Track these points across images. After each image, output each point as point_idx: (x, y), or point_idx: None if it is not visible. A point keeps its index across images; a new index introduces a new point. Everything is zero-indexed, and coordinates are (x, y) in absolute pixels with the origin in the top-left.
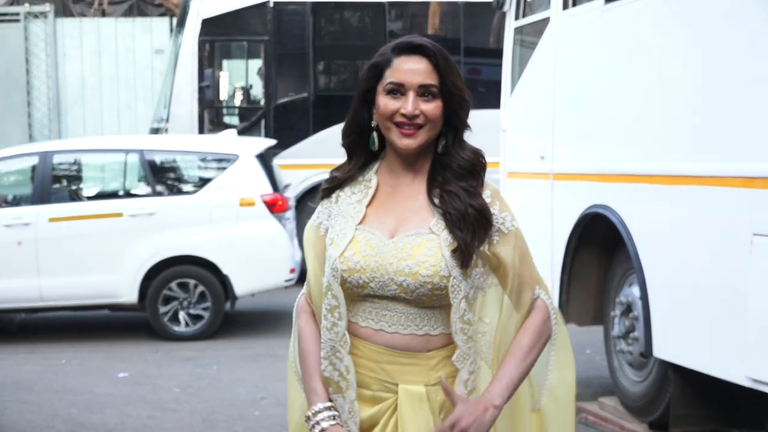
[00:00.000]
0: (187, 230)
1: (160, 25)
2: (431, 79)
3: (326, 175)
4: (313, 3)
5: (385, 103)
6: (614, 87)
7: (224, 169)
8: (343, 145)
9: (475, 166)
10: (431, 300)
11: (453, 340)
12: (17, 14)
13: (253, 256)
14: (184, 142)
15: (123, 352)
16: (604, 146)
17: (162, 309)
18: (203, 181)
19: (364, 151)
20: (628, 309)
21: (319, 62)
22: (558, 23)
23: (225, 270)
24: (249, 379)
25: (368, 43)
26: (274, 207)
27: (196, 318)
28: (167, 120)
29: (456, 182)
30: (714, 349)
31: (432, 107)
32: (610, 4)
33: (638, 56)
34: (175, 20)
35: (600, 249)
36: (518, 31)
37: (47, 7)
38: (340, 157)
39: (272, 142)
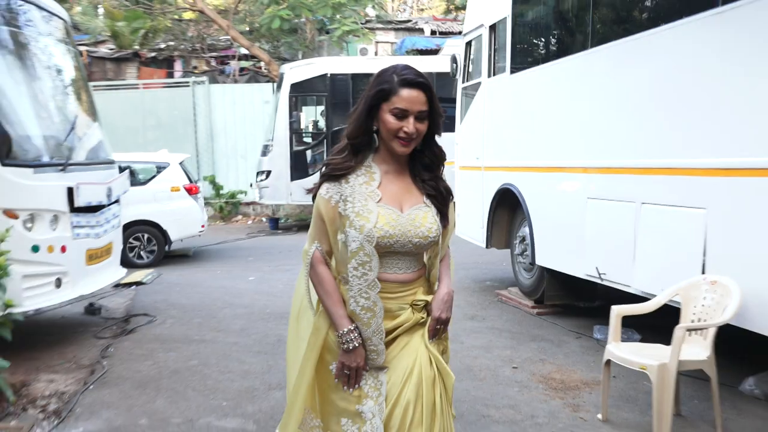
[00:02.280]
0: (142, 205)
1: (267, 87)
2: (425, 107)
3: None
4: (352, 74)
5: (391, 121)
6: (513, 119)
7: (162, 170)
8: (351, 143)
9: (440, 159)
10: (425, 249)
11: (429, 270)
12: (188, 83)
13: (180, 218)
14: (142, 156)
15: (249, 267)
16: (510, 152)
17: (129, 251)
18: (150, 177)
19: (364, 146)
20: (522, 239)
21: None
22: (485, 84)
23: (164, 227)
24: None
25: None
26: (190, 191)
27: (149, 253)
28: (272, 140)
29: (427, 172)
30: (567, 259)
31: (423, 126)
32: (513, 74)
33: (525, 101)
34: (275, 84)
35: (508, 208)
36: (464, 88)
37: (204, 78)
38: None
39: (187, 155)
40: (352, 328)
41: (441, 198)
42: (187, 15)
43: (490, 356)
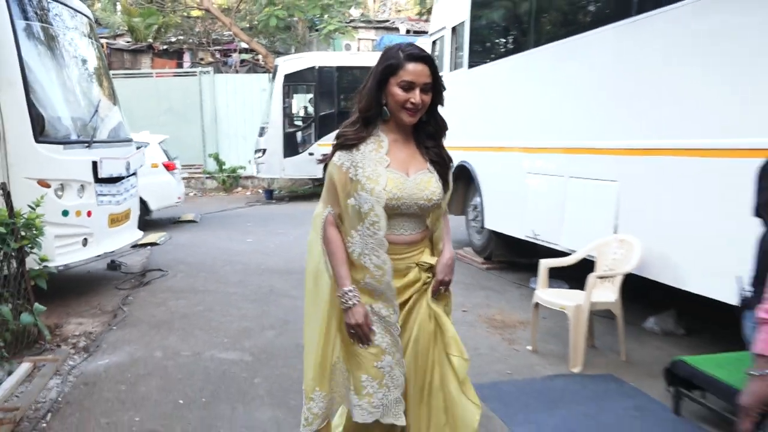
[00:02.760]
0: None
1: (264, 77)
2: (429, 79)
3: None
4: (336, 67)
5: (398, 93)
6: (469, 107)
7: (143, 148)
8: (363, 115)
9: (443, 128)
10: (429, 212)
11: (433, 231)
12: (195, 72)
13: (159, 190)
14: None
15: (247, 231)
16: (465, 134)
17: None
18: None
19: (374, 118)
20: (475, 207)
21: (340, 95)
22: (447, 77)
23: (145, 198)
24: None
25: (362, 79)
26: (168, 168)
27: None
28: (268, 123)
29: (431, 140)
30: (510, 223)
31: (427, 98)
32: (470, 69)
33: (479, 92)
34: (271, 75)
35: (464, 181)
36: None
37: (210, 69)
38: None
39: (166, 136)
40: (352, 288)
41: (443, 164)
42: (195, 12)
43: None
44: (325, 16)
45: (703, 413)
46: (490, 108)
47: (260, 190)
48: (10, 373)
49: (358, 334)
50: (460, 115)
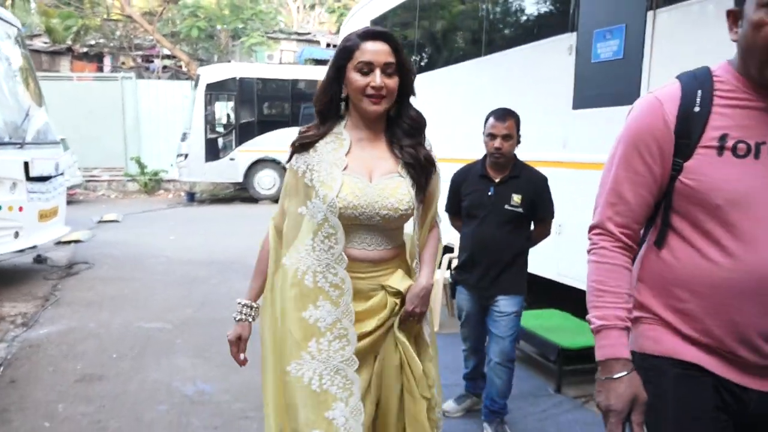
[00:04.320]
0: None
1: (186, 84)
2: (391, 58)
3: (266, 155)
4: (257, 78)
5: (356, 79)
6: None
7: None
8: (318, 111)
9: (420, 124)
10: (397, 224)
11: (405, 248)
12: (116, 77)
13: None
14: None
15: (170, 230)
16: None
17: None
18: None
19: (332, 114)
20: None
21: (262, 105)
22: None
23: None
24: None
25: (282, 95)
26: None
27: None
28: (190, 128)
29: (408, 138)
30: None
31: (392, 82)
32: (420, 74)
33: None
34: (194, 82)
35: None
36: None
37: (132, 74)
38: (263, 147)
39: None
40: (251, 305)
41: (419, 168)
42: (116, 15)
43: None
44: (246, 28)
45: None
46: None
47: (182, 193)
48: None
49: (232, 346)
50: None
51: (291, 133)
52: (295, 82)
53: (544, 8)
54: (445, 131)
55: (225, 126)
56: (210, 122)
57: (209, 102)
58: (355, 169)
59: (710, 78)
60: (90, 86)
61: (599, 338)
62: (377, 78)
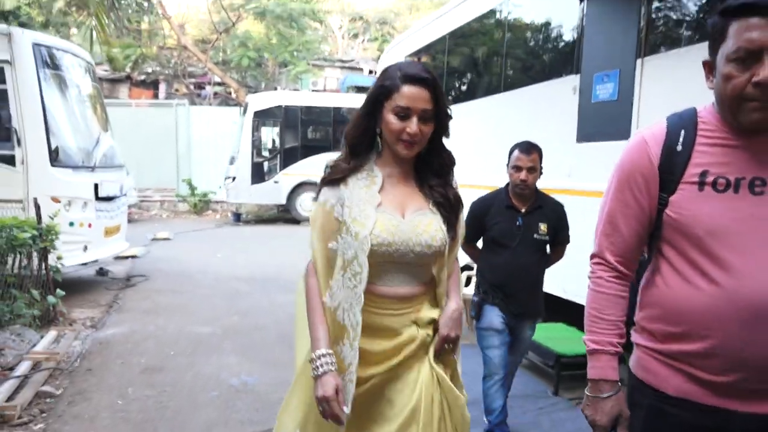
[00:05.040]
0: None
1: (235, 110)
2: (429, 105)
3: (308, 178)
4: (301, 106)
5: (392, 121)
6: None
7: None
8: (349, 144)
9: (449, 164)
10: (429, 261)
11: (437, 285)
12: (171, 104)
13: None
14: None
15: (217, 248)
16: None
17: None
18: None
19: (364, 149)
20: None
21: (305, 130)
22: None
23: None
24: None
25: (324, 121)
26: None
27: None
28: (238, 153)
29: (436, 177)
30: None
31: (428, 129)
32: None
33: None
34: (242, 109)
35: None
36: None
37: (185, 101)
38: (305, 171)
39: None
40: (329, 353)
41: (449, 206)
42: (170, 43)
43: None
44: (294, 58)
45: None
46: None
47: (229, 214)
48: (42, 338)
49: (326, 412)
50: None
51: (332, 158)
52: (336, 109)
53: (554, 52)
54: (466, 159)
55: (270, 150)
56: (256, 147)
57: (256, 128)
58: (388, 206)
59: (695, 119)
60: (147, 112)
61: (592, 359)
62: (413, 125)
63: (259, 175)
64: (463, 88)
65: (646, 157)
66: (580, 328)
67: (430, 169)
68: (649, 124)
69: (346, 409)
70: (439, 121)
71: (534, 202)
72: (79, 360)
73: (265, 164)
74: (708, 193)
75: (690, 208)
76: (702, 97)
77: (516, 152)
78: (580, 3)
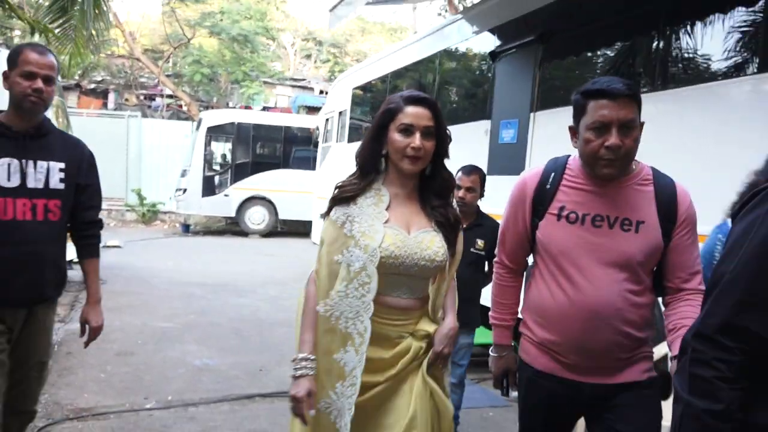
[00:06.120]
0: None
1: (187, 124)
2: (431, 122)
3: (258, 192)
4: (253, 124)
5: (397, 139)
6: (348, 171)
7: None
8: (359, 165)
9: (450, 186)
10: (430, 274)
11: (434, 300)
12: (123, 115)
13: None
14: None
15: (167, 257)
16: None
17: None
18: None
19: (373, 170)
20: None
21: (256, 146)
22: (334, 147)
23: None
24: None
25: (275, 139)
26: None
27: None
28: (190, 166)
29: (438, 198)
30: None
31: (430, 144)
32: (349, 143)
33: (350, 158)
34: (195, 124)
35: None
36: (322, 147)
37: (138, 113)
38: (255, 186)
39: None
40: (311, 357)
41: (449, 226)
42: (121, 51)
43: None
44: (246, 79)
45: None
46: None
47: (177, 224)
48: None
49: (295, 409)
50: (341, 175)
51: (282, 174)
52: (287, 128)
53: (473, 99)
54: None
55: (222, 165)
56: (208, 161)
57: (209, 143)
58: (395, 223)
59: (564, 166)
60: (97, 122)
61: (495, 330)
62: (417, 140)
63: (210, 188)
64: None
65: (524, 192)
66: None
67: (432, 191)
68: (537, 163)
69: (312, 412)
70: (440, 140)
71: (475, 220)
72: (57, 346)
73: (217, 178)
74: (563, 223)
75: (550, 232)
76: (569, 144)
77: (459, 173)
78: (492, 62)
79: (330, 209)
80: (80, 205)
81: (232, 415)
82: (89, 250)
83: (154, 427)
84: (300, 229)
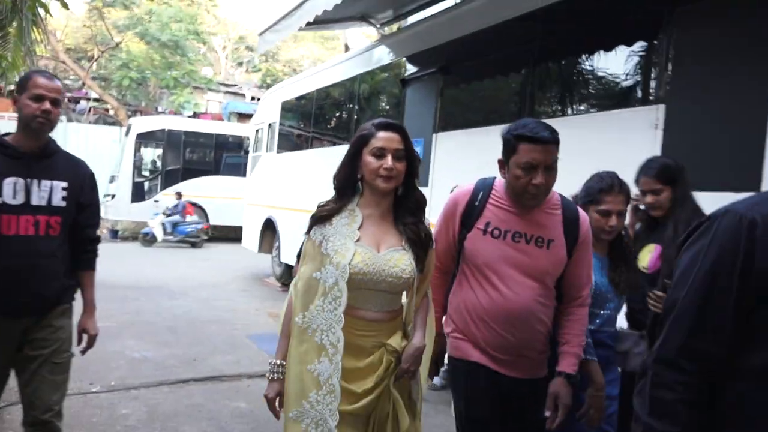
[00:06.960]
0: None
1: (115, 129)
2: (401, 146)
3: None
4: (183, 131)
5: (371, 161)
6: (274, 178)
7: None
8: (336, 188)
9: (422, 204)
10: (399, 290)
11: (403, 311)
12: None
13: None
14: None
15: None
16: (271, 197)
17: None
18: None
19: (349, 192)
20: (277, 247)
21: (186, 153)
22: (263, 156)
23: None
24: None
25: (206, 146)
26: None
27: None
28: (119, 172)
29: (411, 216)
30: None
31: (401, 165)
32: (278, 153)
33: (279, 170)
34: (124, 130)
35: (272, 230)
36: (252, 156)
37: (63, 117)
38: (186, 192)
39: None
40: (282, 363)
41: (420, 243)
42: (41, 51)
43: (249, 305)
44: (177, 86)
45: None
46: (286, 181)
47: (105, 230)
48: None
49: (269, 408)
50: (270, 183)
51: (212, 181)
52: (218, 135)
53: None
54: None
55: (151, 171)
56: (138, 167)
57: (138, 149)
58: (366, 241)
59: (491, 187)
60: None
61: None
62: (389, 161)
63: (139, 194)
64: (327, 135)
65: (456, 206)
66: None
67: (406, 209)
68: (439, 176)
69: (282, 414)
70: (410, 161)
71: None
72: None
73: (146, 184)
74: (487, 237)
75: (476, 244)
76: (463, 162)
77: None
78: (402, 88)
79: (310, 228)
80: (81, 223)
81: (171, 395)
82: (87, 263)
83: (103, 405)
84: (231, 235)
